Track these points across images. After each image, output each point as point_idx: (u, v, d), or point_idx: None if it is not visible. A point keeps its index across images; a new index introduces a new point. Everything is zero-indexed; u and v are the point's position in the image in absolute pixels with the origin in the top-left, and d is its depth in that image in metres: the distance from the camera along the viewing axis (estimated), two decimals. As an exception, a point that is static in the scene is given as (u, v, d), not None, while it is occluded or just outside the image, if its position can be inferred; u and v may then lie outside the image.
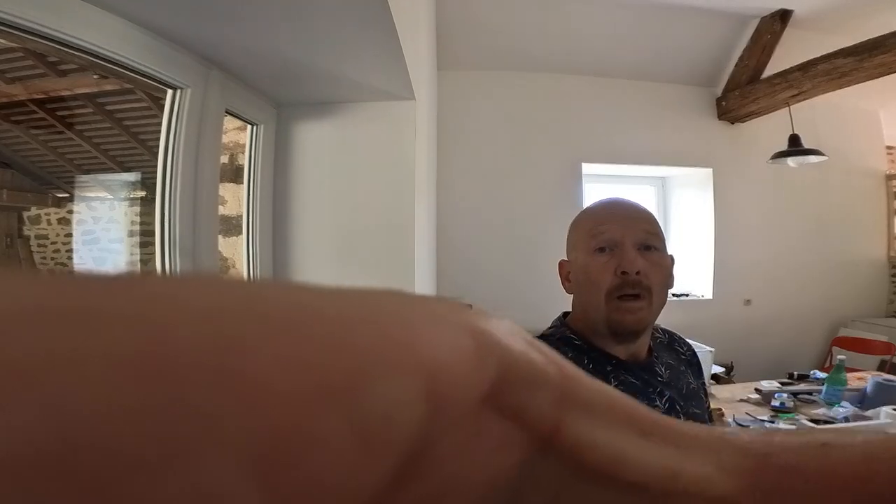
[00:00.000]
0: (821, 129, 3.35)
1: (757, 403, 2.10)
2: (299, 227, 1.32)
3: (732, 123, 3.47)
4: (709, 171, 3.48)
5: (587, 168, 3.36)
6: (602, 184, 3.56)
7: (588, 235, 0.76)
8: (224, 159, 1.39)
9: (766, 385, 2.21)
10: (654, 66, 3.26)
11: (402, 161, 1.30)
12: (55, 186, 2.50)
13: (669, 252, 0.80)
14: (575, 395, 0.14)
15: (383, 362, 0.09)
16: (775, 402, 2.02)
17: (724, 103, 3.37)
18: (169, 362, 0.07)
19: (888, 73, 2.42)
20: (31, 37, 0.72)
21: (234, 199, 1.36)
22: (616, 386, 0.69)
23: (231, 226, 1.35)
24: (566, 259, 0.83)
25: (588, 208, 0.82)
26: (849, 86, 2.62)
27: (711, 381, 2.52)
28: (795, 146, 2.76)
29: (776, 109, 3.09)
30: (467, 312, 0.12)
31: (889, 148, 4.08)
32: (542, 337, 0.79)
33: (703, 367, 0.94)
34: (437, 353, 0.10)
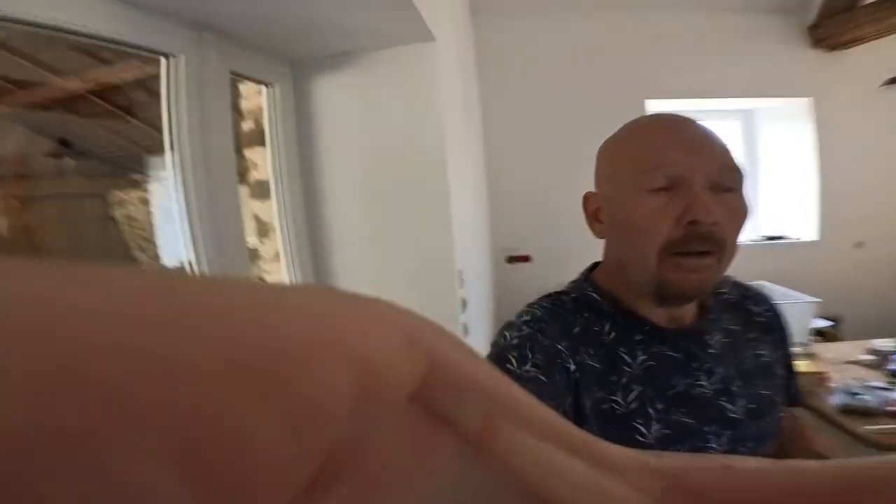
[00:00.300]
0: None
1: (869, 366, 1.79)
2: (329, 183, 1.29)
3: (830, 51, 3.15)
4: (806, 101, 3.08)
5: (652, 106, 3.02)
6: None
7: (638, 166, 0.56)
8: (252, 125, 1.38)
9: (882, 344, 1.87)
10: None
11: (426, 107, 1.22)
12: (130, 169, 2.67)
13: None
14: (505, 403, 0.14)
15: (311, 351, 0.09)
16: (892, 366, 1.71)
17: (819, 30, 3.11)
18: (79, 357, 0.07)
19: None
20: (21, 27, 0.71)
21: (264, 163, 1.35)
22: (645, 361, 0.59)
23: (265, 189, 1.35)
24: (594, 192, 0.65)
25: (635, 126, 0.60)
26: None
27: (816, 338, 2.16)
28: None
29: (884, 35, 2.83)
30: (399, 311, 0.12)
31: None
32: (557, 297, 0.65)
33: (802, 324, 0.77)
34: (366, 346, 0.10)
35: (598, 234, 0.64)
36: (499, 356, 0.57)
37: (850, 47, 3.10)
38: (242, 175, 1.34)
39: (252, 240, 1.51)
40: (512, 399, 0.14)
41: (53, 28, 0.75)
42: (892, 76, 2.56)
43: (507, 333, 0.59)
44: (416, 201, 1.25)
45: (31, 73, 1.96)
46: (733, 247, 0.56)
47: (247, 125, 1.31)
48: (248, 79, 1.11)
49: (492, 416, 0.13)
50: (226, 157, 1.05)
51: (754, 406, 0.60)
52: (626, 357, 0.59)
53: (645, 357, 0.60)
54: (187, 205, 0.97)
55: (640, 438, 0.55)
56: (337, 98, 1.25)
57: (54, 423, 0.07)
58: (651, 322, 0.61)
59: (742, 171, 0.56)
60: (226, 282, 0.10)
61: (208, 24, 0.96)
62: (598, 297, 0.64)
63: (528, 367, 0.54)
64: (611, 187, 0.60)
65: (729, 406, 0.58)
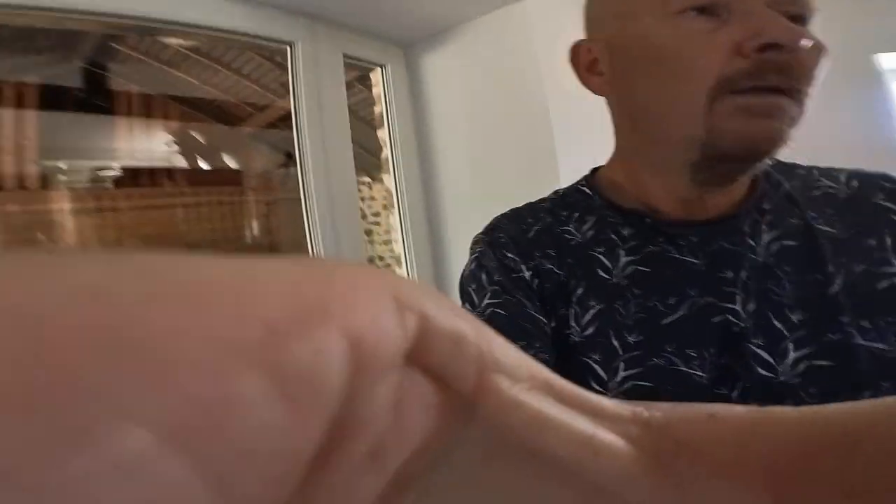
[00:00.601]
0: None
1: None
2: (443, 156, 1.33)
3: None
4: None
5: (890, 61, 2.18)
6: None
7: None
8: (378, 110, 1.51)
9: None
10: None
11: (524, 68, 1.16)
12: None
13: None
14: (495, 357, 0.14)
15: (301, 318, 0.09)
16: None
17: None
18: (56, 343, 0.07)
19: None
20: (164, 26, 0.95)
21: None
22: (630, 265, 0.44)
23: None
24: (584, 40, 0.48)
25: None
26: None
27: None
28: None
29: None
30: (387, 276, 0.12)
31: None
32: (539, 200, 0.53)
33: None
34: (355, 313, 0.10)
35: (598, 90, 0.48)
36: (462, 293, 0.48)
37: None
38: (376, 154, 1.48)
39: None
40: (502, 354, 0.14)
41: (198, 27, 0.96)
42: None
43: (469, 259, 0.50)
44: (523, 165, 1.20)
45: (261, 97, 2.52)
46: (810, 94, 0.39)
47: (378, 108, 1.43)
48: (361, 60, 1.23)
49: (484, 372, 0.13)
50: (342, 138, 1.18)
51: (836, 366, 0.37)
52: (603, 260, 0.45)
53: (632, 259, 0.44)
54: (304, 184, 1.12)
55: (596, 387, 0.40)
56: (445, 72, 1.29)
57: (55, 413, 0.07)
58: (655, 211, 0.45)
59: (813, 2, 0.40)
60: (209, 259, 0.10)
61: (321, 14, 1.10)
62: (587, 190, 0.50)
63: (486, 302, 0.45)
64: (618, 22, 0.44)
65: (766, 355, 0.38)
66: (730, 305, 0.41)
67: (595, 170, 0.53)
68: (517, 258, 0.46)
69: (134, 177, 2.89)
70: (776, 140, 0.39)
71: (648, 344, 0.41)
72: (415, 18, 1.17)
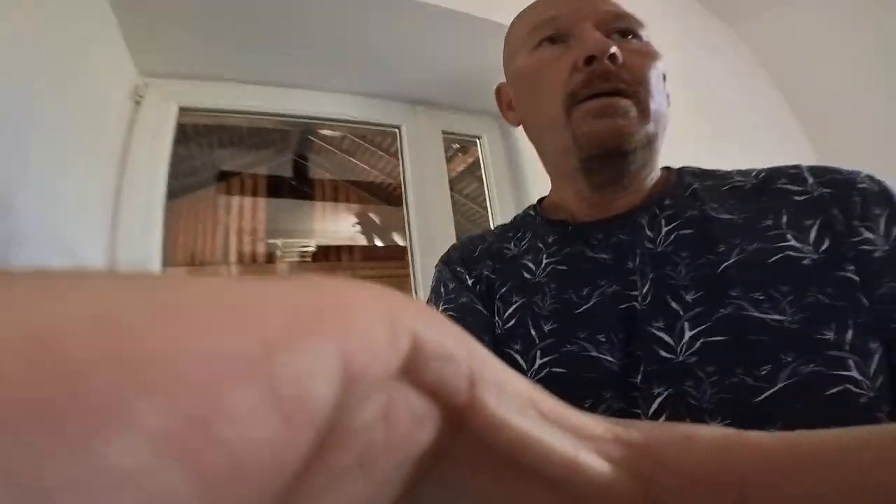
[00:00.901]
0: None
1: None
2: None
3: None
4: None
5: None
6: None
7: (528, 28, 0.51)
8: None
9: None
10: None
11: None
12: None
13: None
14: (484, 373, 0.14)
15: (293, 335, 0.10)
16: None
17: None
18: (59, 354, 0.07)
19: None
20: (289, 118, 1.22)
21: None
22: (550, 265, 0.48)
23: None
24: (504, 82, 0.58)
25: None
26: None
27: None
28: None
29: None
30: (380, 293, 0.13)
31: None
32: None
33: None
34: (350, 328, 0.11)
35: (513, 122, 0.58)
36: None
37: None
38: (479, 224, 1.55)
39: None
40: (491, 372, 0.15)
41: (325, 119, 1.22)
42: None
43: (432, 278, 0.58)
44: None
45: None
46: (657, 96, 0.47)
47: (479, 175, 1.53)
48: (458, 135, 1.35)
49: (473, 388, 0.14)
50: (441, 206, 1.29)
51: (728, 339, 0.37)
52: (528, 265, 0.50)
53: (551, 260, 0.49)
54: (411, 257, 1.24)
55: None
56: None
57: (54, 421, 0.07)
58: (573, 218, 0.51)
59: (636, 17, 0.50)
60: (209, 278, 0.10)
61: (422, 98, 1.27)
62: (531, 211, 0.57)
63: (442, 308, 0.51)
64: (511, 63, 0.54)
65: (666, 336, 0.39)
66: (633, 293, 0.43)
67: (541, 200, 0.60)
68: (463, 270, 0.54)
69: (325, 253, 3.49)
70: (622, 134, 0.45)
71: (562, 331, 0.43)
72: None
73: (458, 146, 1.53)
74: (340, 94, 1.22)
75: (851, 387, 0.34)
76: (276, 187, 3.30)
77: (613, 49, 0.44)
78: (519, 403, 0.15)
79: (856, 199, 0.42)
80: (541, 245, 0.52)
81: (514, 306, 0.47)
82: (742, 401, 0.35)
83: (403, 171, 1.28)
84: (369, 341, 0.11)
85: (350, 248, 3.55)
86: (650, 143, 0.47)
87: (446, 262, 0.56)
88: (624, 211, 0.49)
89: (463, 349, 0.14)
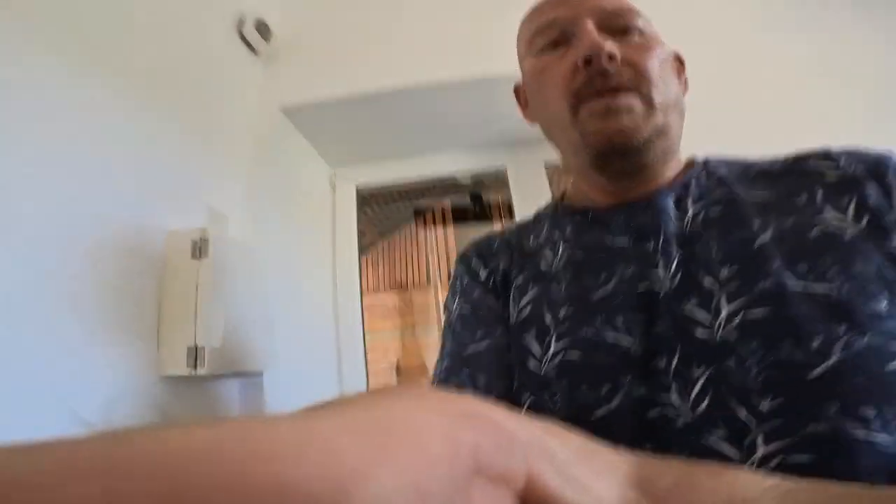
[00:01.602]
0: None
1: None
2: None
3: None
4: None
5: None
6: None
7: (531, 34, 0.53)
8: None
9: None
10: None
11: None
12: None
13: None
14: (541, 451, 0.16)
15: (367, 466, 0.11)
16: None
17: None
18: (189, 487, 0.09)
19: None
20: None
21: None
22: (568, 252, 0.49)
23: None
24: (520, 83, 0.60)
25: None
26: None
27: None
28: None
29: None
30: (441, 407, 0.15)
31: None
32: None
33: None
34: (415, 450, 0.12)
35: (530, 120, 0.59)
36: (446, 300, 0.58)
37: None
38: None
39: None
40: (545, 449, 0.17)
41: (439, 179, 1.61)
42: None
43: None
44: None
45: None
46: (665, 89, 0.47)
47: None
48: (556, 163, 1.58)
49: (531, 468, 0.16)
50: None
51: (771, 312, 0.35)
52: (548, 254, 0.51)
53: (571, 249, 0.49)
54: None
55: (534, 363, 0.44)
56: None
57: None
58: (594, 205, 0.52)
59: (636, 9, 0.50)
60: (283, 417, 0.12)
61: (521, 139, 1.56)
62: (552, 205, 0.59)
63: (457, 303, 0.54)
64: (521, 65, 0.57)
65: (701, 314, 0.38)
66: (653, 270, 0.42)
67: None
68: (479, 263, 0.56)
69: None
70: (626, 131, 0.45)
71: (578, 316, 0.43)
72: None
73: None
74: (462, 150, 1.61)
75: None
76: (460, 214, 3.83)
77: (609, 48, 0.45)
78: (567, 473, 0.16)
79: (891, 177, 0.41)
80: (558, 235, 0.52)
81: (529, 295, 0.48)
82: (794, 378, 0.32)
83: (510, 201, 1.58)
84: (437, 456, 0.12)
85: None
86: (662, 133, 0.47)
87: (462, 257, 0.58)
88: (646, 195, 0.49)
89: (521, 431, 0.16)
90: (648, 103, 0.46)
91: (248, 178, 1.20)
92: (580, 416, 0.38)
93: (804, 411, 0.32)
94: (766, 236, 0.40)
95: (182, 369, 0.80)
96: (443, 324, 0.57)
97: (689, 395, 0.35)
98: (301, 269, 1.37)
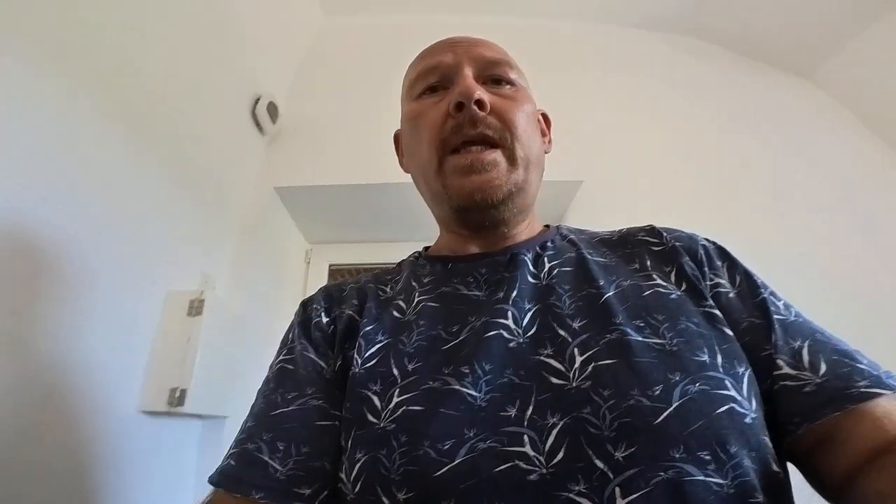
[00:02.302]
0: None
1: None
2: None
3: None
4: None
5: None
6: None
7: (413, 79, 0.54)
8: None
9: None
10: None
11: None
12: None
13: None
14: None
15: None
16: None
17: None
18: None
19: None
20: None
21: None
22: (422, 303, 0.47)
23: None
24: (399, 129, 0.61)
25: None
26: None
27: None
28: None
29: None
30: None
31: None
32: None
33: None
34: None
35: (405, 170, 0.59)
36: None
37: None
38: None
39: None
40: None
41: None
42: None
43: None
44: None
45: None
46: (528, 144, 0.49)
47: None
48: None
49: None
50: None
51: (619, 363, 0.37)
52: (401, 304, 0.49)
53: (424, 298, 0.48)
54: None
55: (372, 419, 0.38)
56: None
57: None
58: (457, 257, 0.52)
59: (513, 64, 0.54)
60: None
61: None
62: (416, 255, 0.59)
63: (280, 358, 0.49)
64: (402, 110, 0.57)
65: (556, 363, 0.39)
66: (502, 321, 0.42)
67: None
68: (321, 307, 0.51)
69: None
70: (489, 189, 0.46)
71: (426, 369, 0.40)
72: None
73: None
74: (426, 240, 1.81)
75: (735, 406, 0.34)
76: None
77: (479, 95, 0.46)
78: None
79: (701, 253, 0.48)
80: (415, 284, 0.50)
81: (377, 345, 0.44)
82: (643, 425, 0.33)
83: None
84: None
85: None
86: (521, 189, 0.48)
87: (304, 303, 0.54)
88: (505, 249, 0.51)
89: None
90: (511, 158, 0.47)
91: (238, 245, 1.35)
92: (419, 476, 0.34)
93: (654, 458, 0.32)
94: (610, 294, 0.43)
95: (162, 406, 0.90)
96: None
97: (545, 444, 0.33)
98: (273, 330, 1.47)
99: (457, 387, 0.38)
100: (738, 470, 0.32)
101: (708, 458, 0.32)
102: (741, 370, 0.37)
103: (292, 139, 1.61)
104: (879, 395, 0.35)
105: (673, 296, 0.43)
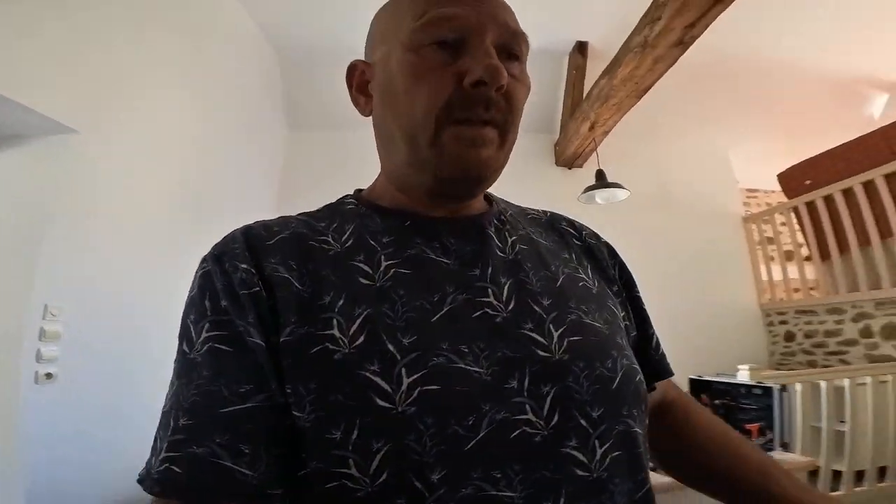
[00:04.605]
0: (678, 173, 4.00)
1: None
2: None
3: (569, 168, 3.84)
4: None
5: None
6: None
7: (420, 17, 0.45)
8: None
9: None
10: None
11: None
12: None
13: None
14: None
15: None
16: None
17: (557, 148, 3.79)
18: None
19: (637, 87, 2.61)
20: None
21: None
22: (394, 267, 0.43)
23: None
24: (363, 60, 0.52)
25: None
26: (622, 109, 2.84)
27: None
28: (601, 182, 2.87)
29: (591, 148, 3.30)
30: None
31: (750, 191, 5.07)
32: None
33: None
34: None
35: (363, 110, 0.52)
36: (181, 328, 0.41)
37: (576, 166, 3.80)
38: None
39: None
40: None
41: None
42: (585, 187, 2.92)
43: (192, 281, 0.43)
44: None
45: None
46: (516, 126, 0.47)
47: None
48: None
49: None
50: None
51: (583, 339, 0.42)
52: (363, 268, 0.43)
53: (392, 262, 0.44)
54: None
55: (383, 403, 0.35)
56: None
57: None
58: (415, 214, 0.48)
59: (527, 37, 0.48)
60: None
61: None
62: (352, 203, 0.51)
63: (205, 336, 0.38)
64: (385, 46, 0.48)
65: (539, 337, 0.41)
66: (485, 299, 0.43)
67: (359, 190, 0.54)
68: (251, 269, 0.41)
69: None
70: (484, 165, 0.44)
71: (424, 343, 0.39)
72: None
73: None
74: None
75: (640, 376, 0.46)
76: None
77: (504, 81, 0.42)
78: None
79: (603, 249, 0.57)
80: (373, 243, 0.45)
81: (359, 320, 0.39)
82: (607, 390, 0.41)
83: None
84: None
85: None
86: (501, 168, 0.47)
87: (220, 257, 0.42)
88: (469, 217, 0.49)
89: None
90: (504, 141, 0.46)
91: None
92: (451, 455, 0.35)
93: (613, 415, 0.41)
94: (562, 278, 0.48)
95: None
96: (177, 352, 0.40)
97: (543, 410, 0.38)
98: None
99: (461, 365, 0.38)
100: (645, 421, 0.45)
101: (636, 413, 0.43)
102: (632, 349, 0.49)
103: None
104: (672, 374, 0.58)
105: (594, 290, 0.50)
